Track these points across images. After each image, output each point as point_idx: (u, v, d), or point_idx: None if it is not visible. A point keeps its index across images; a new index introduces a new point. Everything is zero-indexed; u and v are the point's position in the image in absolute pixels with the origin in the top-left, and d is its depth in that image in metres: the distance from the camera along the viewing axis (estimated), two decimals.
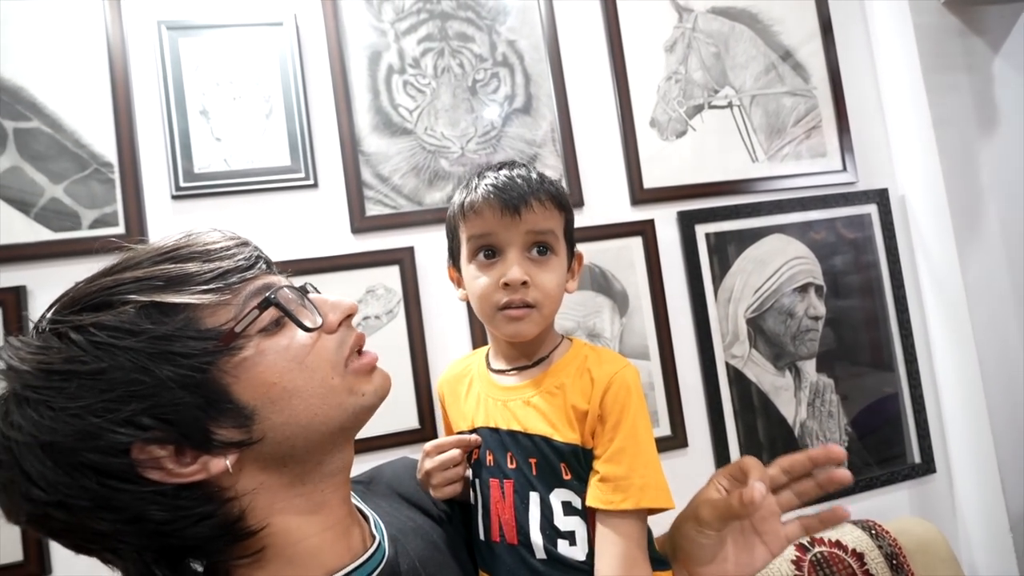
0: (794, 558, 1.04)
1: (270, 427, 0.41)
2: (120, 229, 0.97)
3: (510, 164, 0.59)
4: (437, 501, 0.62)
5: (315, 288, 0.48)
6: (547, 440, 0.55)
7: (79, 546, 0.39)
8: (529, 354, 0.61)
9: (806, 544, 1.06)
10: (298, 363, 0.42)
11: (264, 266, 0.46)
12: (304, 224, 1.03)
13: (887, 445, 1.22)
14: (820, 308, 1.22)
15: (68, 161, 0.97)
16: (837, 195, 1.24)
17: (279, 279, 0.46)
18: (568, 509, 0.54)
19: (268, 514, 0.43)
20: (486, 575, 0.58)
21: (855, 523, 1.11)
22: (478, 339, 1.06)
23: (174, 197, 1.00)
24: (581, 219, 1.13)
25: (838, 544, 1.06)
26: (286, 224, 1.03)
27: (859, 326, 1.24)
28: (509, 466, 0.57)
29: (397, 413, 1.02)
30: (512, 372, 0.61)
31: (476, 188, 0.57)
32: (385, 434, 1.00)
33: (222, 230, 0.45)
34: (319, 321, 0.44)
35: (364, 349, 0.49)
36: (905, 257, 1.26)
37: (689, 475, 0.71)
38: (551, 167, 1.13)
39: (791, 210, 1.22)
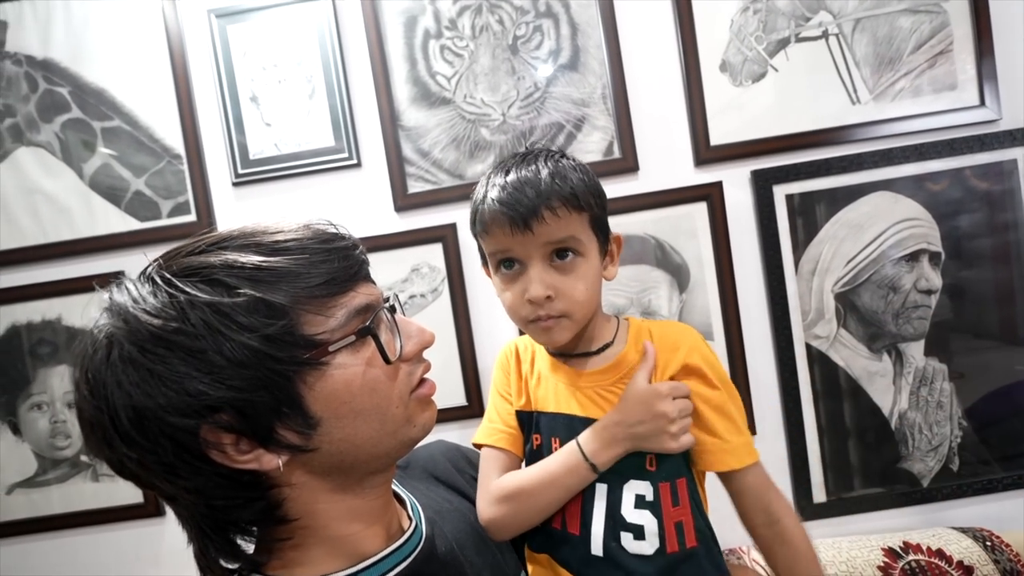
0: (881, 564, 0.92)
1: (328, 440, 0.42)
2: (192, 217, 1.06)
3: (524, 158, 0.54)
4: (474, 483, 0.61)
5: (398, 301, 0.48)
6: None
7: (144, 487, 0.43)
8: (586, 344, 0.58)
9: (897, 549, 0.94)
10: (371, 389, 0.43)
11: (367, 270, 0.46)
12: (349, 204, 1.05)
13: (1014, 441, 1.02)
14: (935, 280, 1.01)
15: (145, 155, 1.06)
16: (970, 138, 1.00)
17: (377, 293, 0.46)
18: (640, 502, 0.53)
19: (308, 507, 0.45)
20: (544, 556, 0.57)
21: (963, 531, 0.95)
22: None
23: (234, 184, 1.05)
24: (635, 186, 1.02)
25: (939, 554, 0.92)
26: (332, 205, 1.05)
27: (987, 300, 1.01)
28: None
29: (445, 390, 1.02)
30: (579, 359, 0.59)
31: (485, 199, 0.53)
32: None
33: (338, 226, 0.45)
34: (398, 351, 0.45)
35: (426, 377, 0.49)
36: None
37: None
38: (601, 128, 1.02)
39: (903, 160, 1.00)
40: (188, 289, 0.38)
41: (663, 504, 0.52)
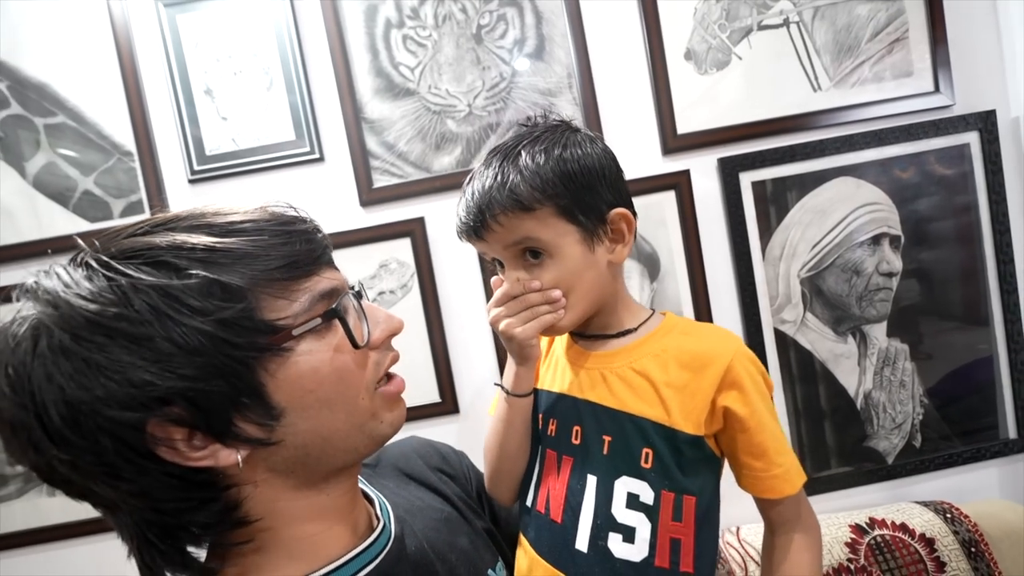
0: (848, 540, 0.95)
1: (293, 432, 0.40)
2: (146, 216, 1.01)
3: (490, 158, 0.53)
4: (447, 480, 0.61)
5: (365, 291, 0.47)
6: (633, 418, 0.51)
7: (77, 497, 0.38)
8: (600, 326, 0.56)
9: (863, 525, 0.96)
10: (339, 377, 0.41)
11: (329, 255, 0.44)
12: (312, 200, 1.02)
13: (974, 416, 1.06)
14: (895, 263, 1.03)
15: (94, 153, 1.01)
16: (926, 123, 1.02)
17: (342, 279, 0.44)
18: (632, 502, 0.50)
19: (268, 507, 0.42)
20: (524, 540, 0.56)
21: (925, 505, 0.99)
22: None
23: (191, 181, 1.01)
24: None
25: (903, 527, 0.95)
26: (295, 201, 1.01)
27: (947, 282, 1.04)
28: (572, 441, 0.54)
29: (417, 387, 1.02)
30: (592, 340, 0.57)
31: (458, 205, 0.55)
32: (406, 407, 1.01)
33: (297, 208, 0.43)
34: (366, 336, 0.43)
35: (395, 373, 0.47)
36: (1014, 195, 1.03)
37: None
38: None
39: (863, 146, 1.02)
40: (130, 272, 0.35)
41: (662, 513, 0.49)
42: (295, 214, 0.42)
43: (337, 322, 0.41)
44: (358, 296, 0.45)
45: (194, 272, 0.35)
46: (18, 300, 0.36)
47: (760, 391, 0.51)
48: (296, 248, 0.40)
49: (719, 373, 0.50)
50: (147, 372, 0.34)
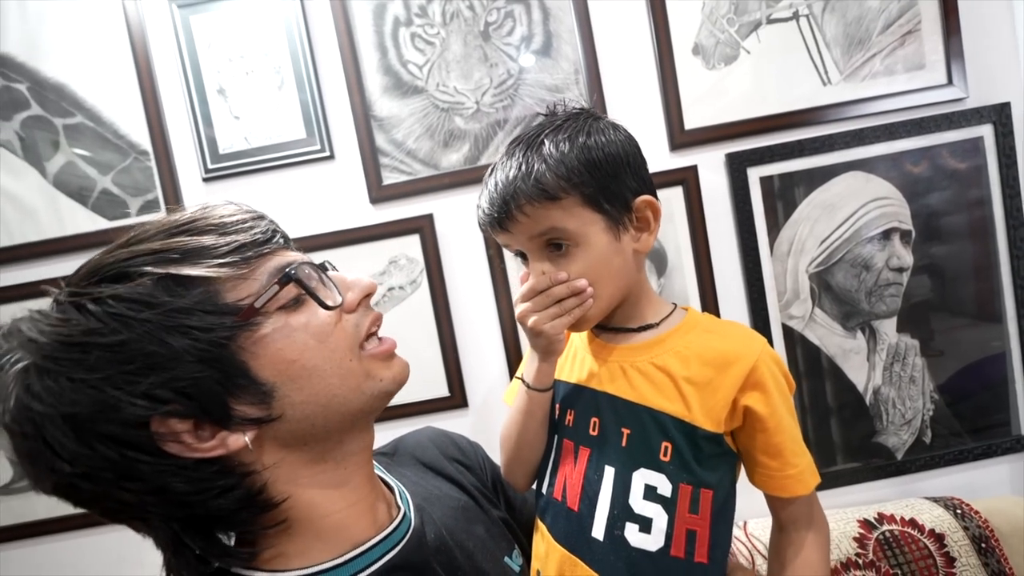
0: (857, 535, 0.95)
1: (289, 404, 0.41)
2: (162, 215, 1.03)
3: (513, 149, 0.53)
4: (463, 470, 0.62)
5: (333, 266, 0.48)
6: (653, 412, 0.51)
7: (108, 513, 0.40)
8: (623, 319, 0.56)
9: (872, 520, 0.96)
10: (318, 342, 0.42)
11: (281, 241, 0.45)
12: (323, 197, 1.03)
13: (985, 413, 1.05)
14: (906, 258, 1.03)
15: (111, 152, 1.03)
16: (939, 116, 1.01)
17: (298, 256, 0.45)
18: (650, 494, 0.50)
19: (290, 487, 0.44)
20: (542, 524, 0.56)
21: (935, 500, 0.98)
22: (503, 304, 1.03)
23: (204, 179, 1.03)
24: None
25: (912, 523, 0.95)
26: (306, 199, 1.03)
27: (959, 277, 1.03)
28: (590, 432, 0.54)
29: (427, 381, 1.03)
30: (614, 333, 0.57)
31: (479, 202, 0.55)
32: (414, 402, 1.03)
33: (238, 203, 0.45)
34: (339, 299, 0.44)
35: (382, 335, 0.48)
36: None
37: None
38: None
39: (873, 140, 1.01)
40: (90, 290, 0.37)
41: (679, 505, 0.50)
42: (235, 207, 0.44)
43: (307, 296, 0.42)
44: (324, 269, 0.46)
45: (147, 270, 0.38)
46: (6, 340, 0.38)
47: (782, 392, 0.51)
48: (242, 235, 0.42)
49: (743, 373, 0.50)
50: (129, 374, 0.36)
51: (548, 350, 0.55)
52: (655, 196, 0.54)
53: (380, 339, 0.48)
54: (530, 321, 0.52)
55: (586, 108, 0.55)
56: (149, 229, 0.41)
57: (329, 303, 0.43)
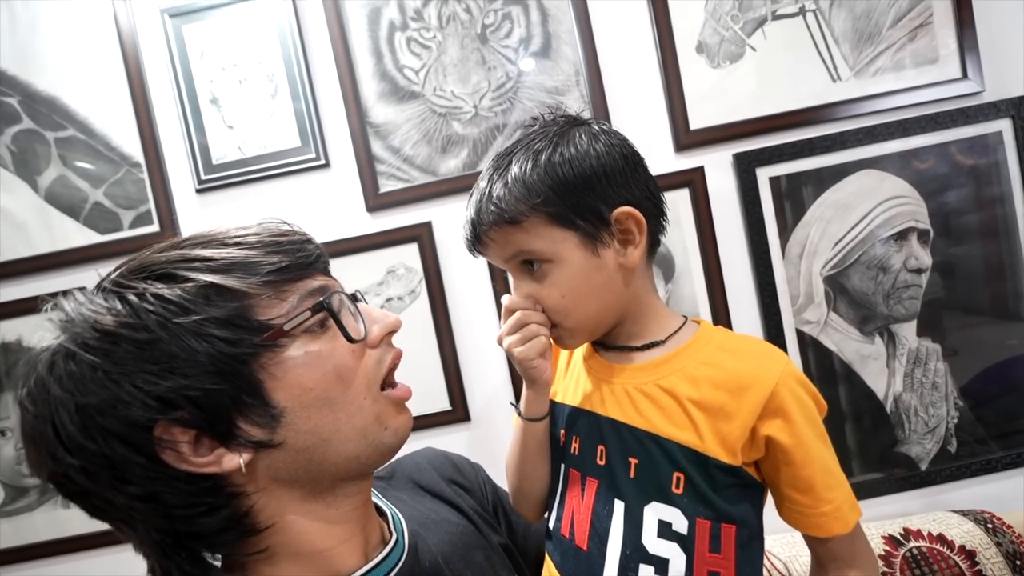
0: (882, 553, 0.90)
1: (293, 432, 0.41)
2: (155, 227, 1.01)
3: (487, 167, 0.51)
4: (462, 492, 0.59)
5: (363, 296, 0.49)
6: (659, 440, 0.47)
7: (95, 511, 0.40)
8: (625, 337, 0.52)
9: (897, 536, 0.91)
10: (338, 374, 0.42)
11: (322, 266, 0.46)
12: (319, 207, 1.01)
13: (1011, 418, 1.00)
14: (924, 258, 0.98)
15: (104, 165, 1.01)
16: (954, 111, 0.97)
17: (334, 282, 0.46)
18: (664, 531, 0.45)
19: (277, 517, 0.42)
20: (551, 562, 0.53)
21: (964, 514, 0.93)
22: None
23: (198, 191, 1.01)
24: None
25: (940, 539, 0.90)
26: (302, 208, 1.01)
27: (978, 276, 0.99)
28: (598, 462, 0.50)
29: (427, 395, 1.00)
30: (618, 352, 0.53)
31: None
32: (415, 416, 0.99)
33: (291, 224, 0.46)
34: (362, 332, 0.44)
35: (400, 382, 0.48)
36: None
37: None
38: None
39: (887, 137, 0.98)
40: (136, 284, 0.38)
41: (698, 543, 0.45)
42: (288, 227, 0.45)
43: (332, 323, 0.42)
44: (354, 299, 0.46)
45: (192, 277, 0.39)
46: (47, 313, 0.40)
47: (810, 418, 0.46)
48: (288, 255, 0.42)
49: (761, 399, 0.44)
50: (150, 374, 0.36)
51: (527, 376, 0.52)
52: (649, 206, 0.50)
53: (396, 384, 0.47)
54: (503, 344, 0.51)
55: (569, 115, 0.53)
56: (206, 236, 0.43)
57: (353, 336, 0.43)
